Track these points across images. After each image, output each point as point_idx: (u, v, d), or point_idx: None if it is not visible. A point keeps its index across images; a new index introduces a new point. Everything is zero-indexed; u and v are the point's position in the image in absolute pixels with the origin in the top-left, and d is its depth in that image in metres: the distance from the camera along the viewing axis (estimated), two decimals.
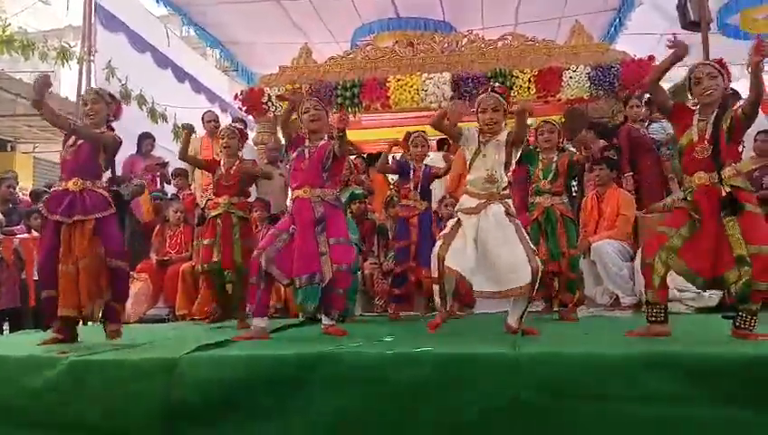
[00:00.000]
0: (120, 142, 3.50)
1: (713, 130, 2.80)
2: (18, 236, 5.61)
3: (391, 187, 6.09)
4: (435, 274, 3.21)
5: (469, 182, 3.35)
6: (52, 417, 2.57)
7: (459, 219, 3.27)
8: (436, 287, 3.23)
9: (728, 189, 2.72)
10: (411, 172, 4.69)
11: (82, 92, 6.43)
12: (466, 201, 3.30)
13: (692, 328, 3.38)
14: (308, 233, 3.39)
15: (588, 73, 6.62)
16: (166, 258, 5.73)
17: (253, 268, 3.41)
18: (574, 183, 5.50)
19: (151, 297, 5.60)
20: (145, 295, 5.54)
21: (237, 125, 4.83)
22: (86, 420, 2.53)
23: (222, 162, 4.43)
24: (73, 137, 3.38)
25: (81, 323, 3.36)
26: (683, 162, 2.92)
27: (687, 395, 2.13)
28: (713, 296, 4.42)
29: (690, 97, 2.99)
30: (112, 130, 3.46)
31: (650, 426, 2.14)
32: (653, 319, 2.84)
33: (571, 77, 6.66)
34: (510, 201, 3.32)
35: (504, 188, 3.31)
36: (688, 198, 2.84)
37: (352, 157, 5.75)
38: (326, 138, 3.62)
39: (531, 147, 4.31)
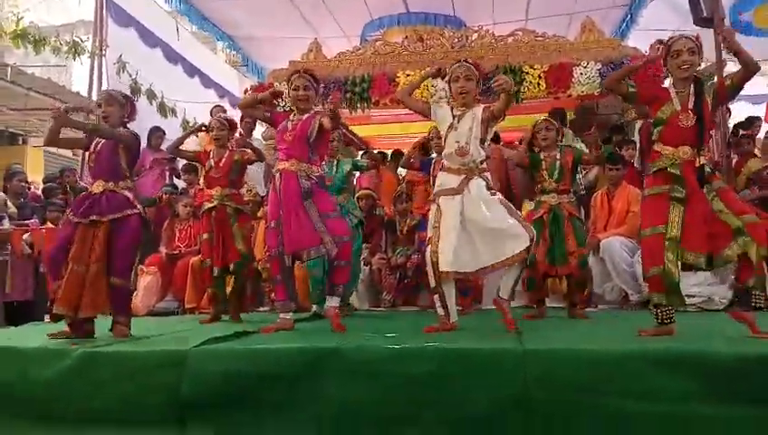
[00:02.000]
0: (138, 138, 3.51)
1: (696, 99, 2.79)
2: (32, 229, 5.64)
3: (401, 183, 6.12)
4: (432, 282, 3.16)
5: (445, 157, 3.32)
6: (61, 408, 2.60)
7: (438, 206, 3.22)
8: (435, 297, 3.19)
9: (703, 161, 2.77)
10: (432, 166, 4.70)
11: (94, 88, 6.49)
12: (446, 180, 3.26)
13: (697, 326, 3.37)
14: (299, 207, 3.37)
15: (599, 69, 6.56)
16: (175, 252, 5.76)
17: (274, 268, 3.46)
18: (581, 176, 5.47)
19: (160, 290, 5.63)
20: (154, 289, 5.58)
21: (227, 116, 4.81)
22: (96, 412, 2.56)
23: (212, 154, 4.41)
24: (94, 143, 3.40)
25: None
26: (663, 134, 2.86)
27: (693, 393, 2.14)
28: (722, 301, 4.40)
29: (664, 69, 3.01)
30: (127, 129, 3.46)
31: (655, 423, 2.14)
32: (667, 321, 2.78)
33: (581, 73, 6.60)
34: (489, 175, 3.30)
35: (482, 162, 3.27)
36: (671, 171, 2.77)
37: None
38: (312, 111, 3.57)
39: (535, 154, 4.25)
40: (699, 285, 4.46)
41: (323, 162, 3.81)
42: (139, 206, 3.37)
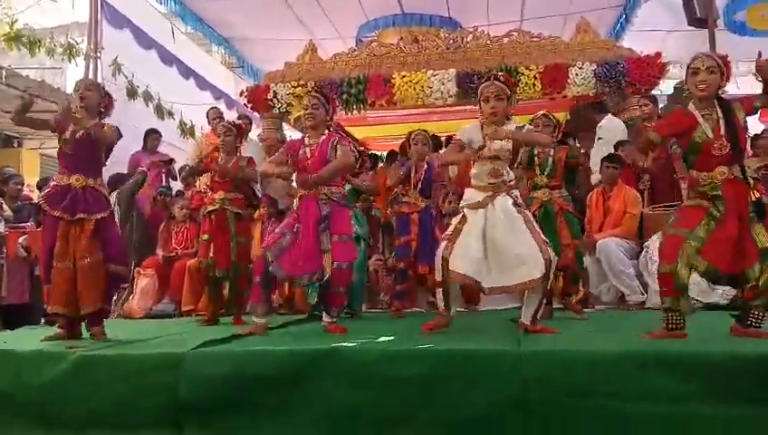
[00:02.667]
0: (117, 130, 3.47)
1: (727, 125, 2.73)
2: (28, 231, 5.62)
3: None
4: (438, 277, 3.14)
5: (473, 176, 3.26)
6: (59, 412, 2.60)
7: (464, 215, 3.19)
8: (439, 291, 3.16)
9: (757, 195, 2.69)
10: (412, 171, 4.68)
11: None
12: (472, 195, 3.22)
13: (697, 326, 3.37)
14: (313, 231, 3.35)
15: (594, 70, 6.58)
16: (172, 254, 5.74)
17: (257, 268, 3.40)
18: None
19: (157, 293, 5.61)
20: (151, 291, 5.56)
21: (235, 121, 4.81)
22: (93, 415, 2.56)
23: (220, 159, 4.41)
24: (71, 130, 3.31)
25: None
26: (698, 161, 2.80)
27: (691, 393, 2.14)
28: (726, 295, 4.30)
29: (685, 88, 2.93)
30: (102, 122, 3.42)
31: (654, 424, 2.15)
32: (673, 327, 2.72)
33: (576, 74, 6.61)
34: (517, 193, 3.26)
35: (511, 180, 3.22)
36: (713, 194, 2.74)
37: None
38: (326, 132, 3.55)
39: (531, 150, 4.23)
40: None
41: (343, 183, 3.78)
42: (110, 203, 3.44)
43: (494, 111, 3.18)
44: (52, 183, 3.36)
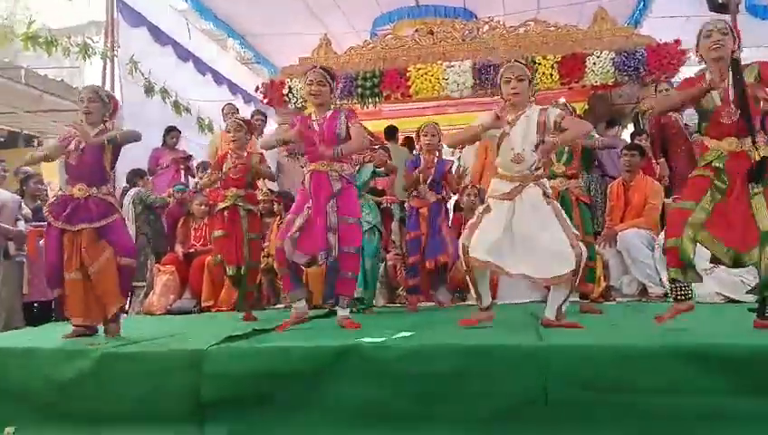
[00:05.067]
0: (136, 134, 3.50)
1: (735, 89, 2.65)
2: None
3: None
4: (462, 266, 3.09)
5: (499, 165, 3.17)
6: (82, 409, 2.62)
7: (488, 205, 3.10)
8: (469, 281, 3.10)
9: (762, 155, 2.61)
10: (419, 167, 4.64)
11: (107, 89, 6.50)
12: (499, 186, 3.11)
13: (720, 319, 3.33)
14: (323, 207, 3.34)
15: (612, 59, 6.49)
16: (191, 250, 5.78)
17: (278, 258, 3.40)
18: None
19: (177, 289, 5.65)
20: (171, 287, 5.60)
21: (245, 117, 4.80)
22: (116, 412, 2.58)
23: (230, 156, 4.42)
24: (75, 141, 3.34)
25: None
26: (708, 128, 2.75)
27: (715, 387, 2.12)
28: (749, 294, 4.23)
29: (697, 57, 2.85)
30: (107, 128, 3.45)
31: (679, 418, 2.12)
32: (681, 296, 2.73)
33: (594, 63, 6.54)
34: (546, 182, 3.17)
35: (537, 168, 3.11)
36: (716, 165, 2.68)
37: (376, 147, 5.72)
38: (332, 108, 3.53)
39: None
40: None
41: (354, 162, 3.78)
42: (119, 209, 3.42)
43: (515, 91, 3.08)
44: (59, 193, 3.43)
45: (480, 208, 3.16)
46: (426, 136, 4.63)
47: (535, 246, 2.97)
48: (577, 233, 3.06)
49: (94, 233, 3.24)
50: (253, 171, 4.41)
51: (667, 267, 2.78)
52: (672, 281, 2.75)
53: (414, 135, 5.07)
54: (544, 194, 3.07)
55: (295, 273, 3.50)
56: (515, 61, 3.18)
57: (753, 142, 2.65)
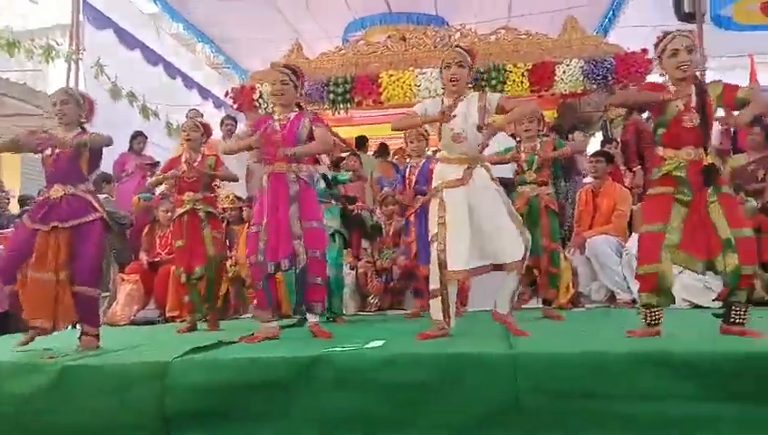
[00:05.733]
0: (104, 137, 3.34)
1: (698, 99, 2.67)
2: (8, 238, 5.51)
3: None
4: (434, 284, 2.94)
5: (443, 147, 3.14)
6: (40, 423, 2.52)
7: (441, 200, 3.00)
8: (436, 300, 2.95)
9: (710, 160, 2.65)
10: (407, 171, 4.64)
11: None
12: (448, 171, 3.05)
13: (689, 325, 3.36)
14: (283, 214, 3.26)
15: (581, 67, 6.59)
16: (156, 259, 5.66)
17: (255, 275, 3.33)
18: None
19: (142, 299, 5.52)
20: (135, 297, 5.47)
21: (202, 120, 4.72)
22: (76, 427, 2.49)
23: (183, 158, 4.30)
24: (50, 148, 3.24)
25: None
26: (666, 137, 2.75)
27: (684, 393, 2.12)
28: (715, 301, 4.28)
29: (661, 70, 2.85)
30: (84, 130, 3.33)
31: (648, 424, 2.12)
32: (653, 322, 2.69)
33: (564, 71, 6.63)
34: (489, 165, 3.14)
35: (481, 151, 3.11)
36: (676, 174, 2.68)
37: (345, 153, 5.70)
38: (296, 109, 3.45)
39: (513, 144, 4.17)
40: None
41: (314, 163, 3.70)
42: (100, 208, 3.25)
43: (454, 77, 3.06)
44: (38, 197, 3.33)
45: (434, 208, 3.04)
46: (412, 142, 4.62)
47: (487, 233, 2.95)
48: (521, 221, 3.06)
49: (68, 235, 3.14)
50: (208, 174, 4.28)
51: (639, 292, 2.76)
52: (645, 306, 2.72)
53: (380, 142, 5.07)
54: (491, 177, 3.06)
55: (269, 291, 3.37)
56: (457, 46, 3.17)
57: (705, 149, 2.68)
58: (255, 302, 3.51)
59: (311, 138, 3.36)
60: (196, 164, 4.24)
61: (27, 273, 3.12)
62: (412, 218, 4.58)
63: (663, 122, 2.75)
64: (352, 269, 5.32)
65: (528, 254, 2.97)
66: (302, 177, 3.34)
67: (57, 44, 7.04)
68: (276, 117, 3.44)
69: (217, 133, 6.29)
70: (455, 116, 2.99)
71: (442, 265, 2.90)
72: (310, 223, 3.31)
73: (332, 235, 4.49)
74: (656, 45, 2.81)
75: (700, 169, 2.66)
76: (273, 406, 2.37)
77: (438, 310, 2.96)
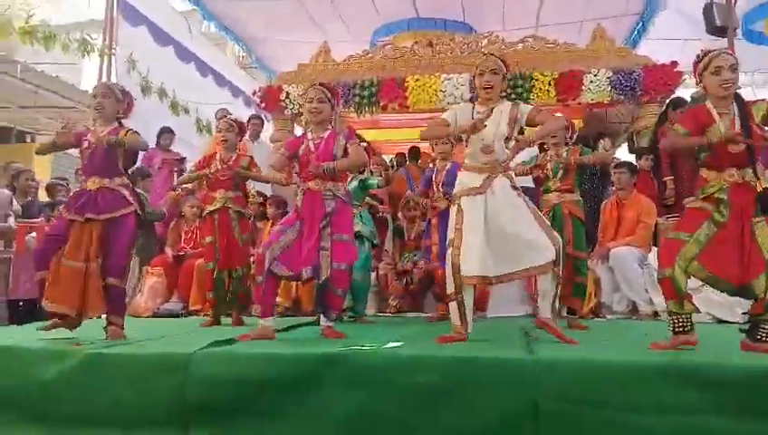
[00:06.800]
0: (143, 144, 3.44)
1: (743, 122, 2.63)
2: (37, 227, 5.62)
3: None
4: (450, 288, 2.98)
5: (467, 156, 3.14)
6: (63, 410, 2.57)
7: (459, 206, 3.02)
8: (453, 305, 2.98)
9: (765, 185, 2.61)
10: (434, 174, 4.66)
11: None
12: (468, 179, 3.07)
13: (710, 338, 3.31)
14: (317, 228, 3.29)
15: (609, 78, 6.53)
16: (181, 253, 5.74)
17: (258, 266, 3.32)
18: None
19: (165, 292, 5.60)
20: (159, 290, 5.54)
21: (236, 118, 4.77)
22: (97, 414, 2.53)
23: (218, 156, 4.35)
24: (87, 142, 3.31)
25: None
26: (711, 160, 2.71)
27: (705, 406, 2.11)
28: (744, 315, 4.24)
29: (700, 86, 2.81)
30: (121, 125, 3.39)
31: None
32: (679, 329, 2.67)
33: (591, 81, 6.57)
34: (513, 174, 3.15)
35: (505, 161, 3.10)
36: (718, 196, 2.65)
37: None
38: (329, 127, 3.47)
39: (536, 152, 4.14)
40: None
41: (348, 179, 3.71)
42: (135, 202, 3.30)
43: (489, 84, 3.07)
44: (76, 188, 3.40)
45: (453, 215, 3.07)
46: (438, 145, 4.62)
47: (512, 239, 2.93)
48: (549, 225, 3.03)
49: (101, 227, 3.20)
50: (242, 175, 4.30)
51: (665, 299, 2.73)
52: (670, 314, 2.70)
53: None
54: (513, 186, 3.05)
55: (272, 289, 3.35)
56: (491, 54, 3.17)
57: (755, 172, 2.64)
58: (255, 295, 3.50)
59: (345, 155, 3.39)
60: (231, 162, 4.29)
61: (61, 260, 3.17)
62: (434, 221, 4.60)
63: (707, 148, 2.70)
64: (373, 271, 5.34)
65: (560, 255, 2.92)
66: (339, 195, 3.37)
67: (92, 39, 7.17)
68: (310, 136, 3.47)
69: None
70: (485, 126, 3.00)
71: (456, 270, 2.93)
72: (340, 235, 3.32)
73: (362, 239, 4.53)
74: (697, 62, 2.77)
75: (754, 197, 2.62)
76: (289, 401, 2.39)
77: (455, 313, 2.99)
